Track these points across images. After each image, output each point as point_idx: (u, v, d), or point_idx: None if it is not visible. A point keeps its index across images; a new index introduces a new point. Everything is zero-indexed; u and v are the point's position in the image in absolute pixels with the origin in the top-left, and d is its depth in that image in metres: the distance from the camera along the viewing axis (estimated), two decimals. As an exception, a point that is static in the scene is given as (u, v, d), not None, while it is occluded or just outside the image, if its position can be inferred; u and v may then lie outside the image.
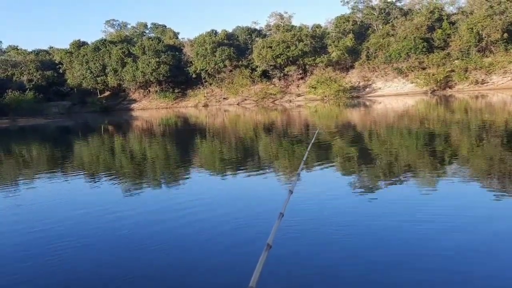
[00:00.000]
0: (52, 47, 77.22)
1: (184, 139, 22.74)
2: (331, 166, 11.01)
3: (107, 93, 68.79)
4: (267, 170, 11.07)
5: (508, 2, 49.41)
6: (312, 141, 7.55)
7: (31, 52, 74.93)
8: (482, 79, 47.32)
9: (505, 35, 46.73)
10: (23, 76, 65.96)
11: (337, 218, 6.39)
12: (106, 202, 8.40)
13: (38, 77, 66.01)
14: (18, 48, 77.58)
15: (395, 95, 49.94)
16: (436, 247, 5.00)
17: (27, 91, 59.50)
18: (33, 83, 64.66)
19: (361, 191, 8.15)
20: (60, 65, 69.35)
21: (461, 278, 4.25)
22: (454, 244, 5.06)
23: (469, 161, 10.67)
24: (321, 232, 5.82)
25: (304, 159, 4.73)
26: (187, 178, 10.96)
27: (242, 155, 14.49)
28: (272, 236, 1.85)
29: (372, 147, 14.25)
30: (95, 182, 10.94)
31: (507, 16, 47.53)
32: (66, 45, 79.21)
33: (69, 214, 7.61)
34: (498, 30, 46.63)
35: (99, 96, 67.57)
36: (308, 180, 8.99)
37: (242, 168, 11.56)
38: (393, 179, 8.95)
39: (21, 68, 66.99)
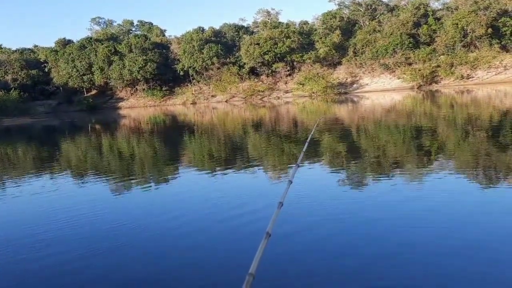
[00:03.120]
0: (37, 46, 76.14)
1: (174, 137, 22.67)
2: (328, 158, 11.20)
3: (93, 91, 68.08)
4: (264, 164, 11.20)
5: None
6: (312, 132, 7.65)
7: (16, 50, 73.76)
8: (468, 74, 47.94)
9: (490, 30, 47.37)
10: (8, 75, 64.92)
11: (335, 207, 6.51)
12: (101, 202, 8.35)
13: (23, 76, 65.04)
14: (2, 46, 76.28)
15: (382, 90, 50.31)
16: (433, 239, 5.09)
17: (12, 91, 58.56)
18: (17, 82, 63.70)
19: (359, 182, 8.31)
20: (45, 64, 68.42)
21: (454, 270, 4.35)
22: (449, 237, 5.17)
23: (467, 155, 10.85)
24: (320, 220, 5.94)
25: (304, 150, 4.80)
26: (184, 172, 11.04)
27: (237, 150, 14.54)
28: (272, 225, 1.89)
29: (365, 141, 14.40)
30: (91, 182, 10.87)
31: (491, 11, 48.18)
32: (51, 44, 78.29)
33: (59, 215, 7.56)
34: (482, 25, 47.24)
35: (85, 95, 66.85)
36: (307, 171, 9.15)
37: (238, 162, 11.64)
38: (388, 171, 9.07)
39: (5, 67, 65.92)
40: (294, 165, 3.07)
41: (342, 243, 5.07)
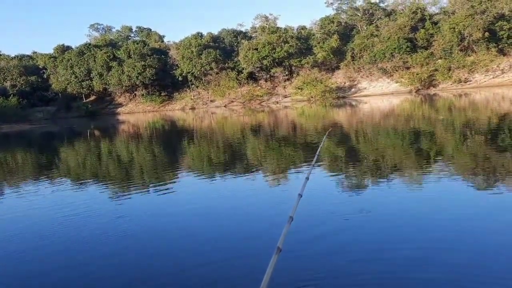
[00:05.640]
0: (36, 52, 76.18)
1: (173, 142, 22.67)
2: (336, 168, 10.96)
3: (92, 97, 68.11)
4: (269, 172, 11.08)
5: (489, 1, 50.39)
6: (321, 145, 7.50)
7: (14, 57, 73.76)
8: (465, 78, 48.11)
9: (486, 34, 47.58)
10: (6, 82, 64.92)
11: (347, 221, 6.39)
12: (106, 208, 8.33)
13: (22, 82, 65.06)
14: (1, 53, 76.28)
15: (380, 94, 50.46)
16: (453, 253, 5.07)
17: (11, 97, 58.57)
18: (16, 88, 63.71)
19: (370, 193, 8.13)
20: (44, 70, 68.50)
21: (464, 275, 4.39)
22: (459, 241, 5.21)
23: (474, 160, 10.90)
24: (331, 235, 5.84)
25: (313, 163, 4.78)
26: (186, 181, 10.89)
27: (239, 157, 14.42)
28: (282, 240, 1.90)
29: (372, 149, 14.28)
30: (90, 189, 10.87)
31: (487, 15, 48.43)
32: (49, 50, 78.31)
33: (60, 222, 7.57)
34: (479, 29, 47.47)
35: (84, 101, 66.86)
36: (316, 183, 8.84)
37: (242, 171, 11.56)
38: (400, 180, 8.85)
39: (4, 73, 65.93)
40: (303, 177, 3.02)
41: (356, 259, 4.96)
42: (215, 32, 68.86)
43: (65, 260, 5.64)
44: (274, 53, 57.09)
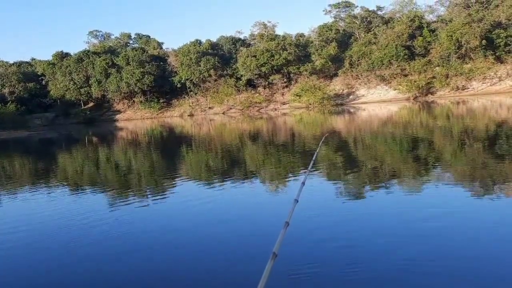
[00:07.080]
0: (34, 59, 76.28)
1: (172, 149, 22.65)
2: (333, 173, 10.96)
3: (91, 104, 68.17)
4: (266, 179, 11.08)
5: (486, 10, 50.71)
6: (318, 150, 7.51)
7: (13, 64, 73.82)
8: (463, 85, 48.32)
9: (484, 42, 47.84)
10: (5, 88, 64.95)
11: (343, 226, 6.38)
12: (103, 213, 8.31)
13: (20, 89, 65.07)
14: (-1, 60, 76.40)
15: (378, 102, 50.62)
16: (448, 255, 5.06)
17: (9, 104, 58.54)
18: (15, 95, 63.72)
19: (366, 198, 8.11)
20: (42, 77, 68.60)
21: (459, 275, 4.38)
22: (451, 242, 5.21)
23: (474, 166, 10.91)
24: (327, 241, 5.82)
25: (309, 168, 4.77)
26: (184, 187, 10.84)
27: (237, 164, 14.41)
28: (278, 245, 1.89)
29: (368, 155, 14.33)
30: (88, 196, 10.84)
31: (485, 23, 48.72)
32: (48, 57, 78.41)
33: (60, 228, 7.54)
34: (476, 37, 47.73)
35: (82, 107, 66.92)
36: (313, 189, 8.82)
37: (239, 177, 11.53)
38: (396, 186, 8.85)
39: (3, 80, 65.96)
40: (299, 183, 3.01)
41: (352, 264, 4.94)
42: (214, 39, 69.19)
43: (60, 265, 5.61)
44: (273, 60, 57.30)
